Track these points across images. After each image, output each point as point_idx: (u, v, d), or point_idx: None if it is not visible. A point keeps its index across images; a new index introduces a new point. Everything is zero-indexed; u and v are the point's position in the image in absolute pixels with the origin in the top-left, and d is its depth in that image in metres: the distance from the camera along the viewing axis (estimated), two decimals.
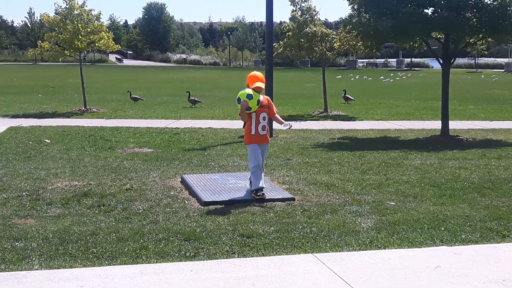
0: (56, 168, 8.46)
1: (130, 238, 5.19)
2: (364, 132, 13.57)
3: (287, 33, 18.13)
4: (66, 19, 17.50)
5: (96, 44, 18.16)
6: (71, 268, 4.50)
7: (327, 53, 18.17)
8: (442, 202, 6.72)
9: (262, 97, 6.87)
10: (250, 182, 7.04)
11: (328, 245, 5.10)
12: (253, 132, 6.80)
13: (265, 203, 6.49)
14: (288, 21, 19.07)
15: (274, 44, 16.02)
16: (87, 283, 4.19)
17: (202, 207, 6.36)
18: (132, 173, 8.15)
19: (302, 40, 17.48)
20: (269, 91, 11.65)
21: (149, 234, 5.30)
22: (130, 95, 21.16)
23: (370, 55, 62.76)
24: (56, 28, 17.84)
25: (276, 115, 7.05)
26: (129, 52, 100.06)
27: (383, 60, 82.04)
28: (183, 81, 37.42)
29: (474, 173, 8.46)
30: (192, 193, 6.92)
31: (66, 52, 17.93)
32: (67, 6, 17.62)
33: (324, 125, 15.06)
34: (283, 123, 7.01)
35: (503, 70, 60.43)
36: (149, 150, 10.39)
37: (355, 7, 12.69)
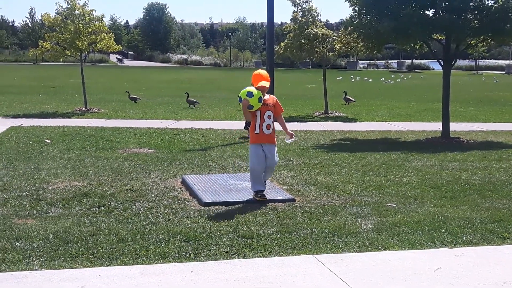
0: (56, 168, 8.46)
1: (131, 239, 5.18)
2: (364, 134, 13.57)
3: (288, 34, 18.12)
4: (67, 19, 17.51)
5: (97, 44, 18.16)
6: (72, 268, 4.50)
7: (328, 54, 18.17)
8: (442, 204, 6.71)
9: (268, 97, 6.85)
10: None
11: (329, 246, 5.10)
12: (257, 131, 6.71)
13: (265, 204, 6.49)
14: (289, 22, 19.07)
15: (274, 47, 15.98)
16: (87, 284, 4.19)
17: (202, 208, 6.35)
18: (132, 174, 8.16)
19: (303, 41, 17.46)
20: (270, 92, 11.58)
21: (150, 235, 5.30)
22: (129, 95, 21.11)
23: (370, 57, 62.66)
24: (57, 28, 17.85)
25: (282, 119, 6.92)
26: (130, 52, 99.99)
27: (383, 61, 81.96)
28: (183, 82, 37.40)
29: (475, 175, 8.45)
30: (193, 193, 6.92)
31: (67, 52, 17.92)
32: (69, 6, 17.63)
33: (325, 126, 15.06)
34: (288, 134, 6.88)
35: (504, 72, 60.36)
36: (150, 150, 10.39)
37: (356, 8, 12.70)
